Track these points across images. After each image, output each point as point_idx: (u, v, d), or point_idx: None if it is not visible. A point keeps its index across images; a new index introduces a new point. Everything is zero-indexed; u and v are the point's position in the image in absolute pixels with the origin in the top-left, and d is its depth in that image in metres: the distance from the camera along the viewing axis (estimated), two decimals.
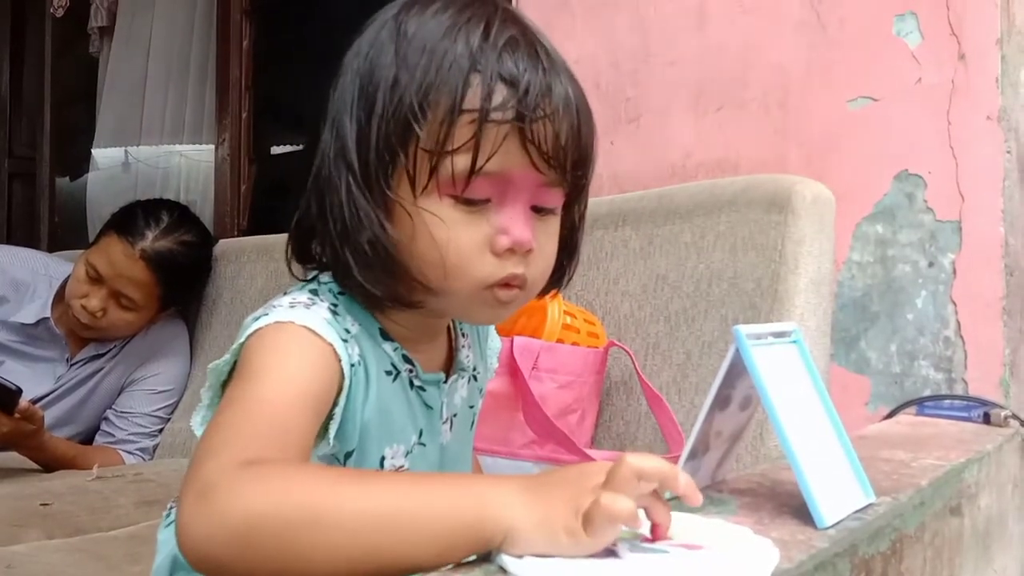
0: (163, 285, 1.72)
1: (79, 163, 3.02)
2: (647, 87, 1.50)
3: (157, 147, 2.79)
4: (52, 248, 2.75)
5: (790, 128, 1.34)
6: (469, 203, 0.63)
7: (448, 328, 0.79)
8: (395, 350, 0.70)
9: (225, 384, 0.65)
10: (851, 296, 1.28)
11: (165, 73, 2.75)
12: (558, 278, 0.73)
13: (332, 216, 0.64)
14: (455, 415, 0.77)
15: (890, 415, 1.19)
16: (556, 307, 1.18)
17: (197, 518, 0.49)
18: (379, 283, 0.64)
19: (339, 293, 0.69)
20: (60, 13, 2.87)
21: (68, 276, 1.76)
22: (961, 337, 1.19)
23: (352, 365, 0.65)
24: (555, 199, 0.66)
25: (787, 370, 0.64)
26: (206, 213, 2.38)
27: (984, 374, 1.17)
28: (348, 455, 0.68)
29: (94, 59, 2.94)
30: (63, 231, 3.03)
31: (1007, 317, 1.17)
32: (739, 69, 1.39)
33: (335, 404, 0.64)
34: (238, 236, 2.27)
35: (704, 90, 1.43)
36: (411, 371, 0.71)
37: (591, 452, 0.89)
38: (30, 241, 2.97)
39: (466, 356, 0.79)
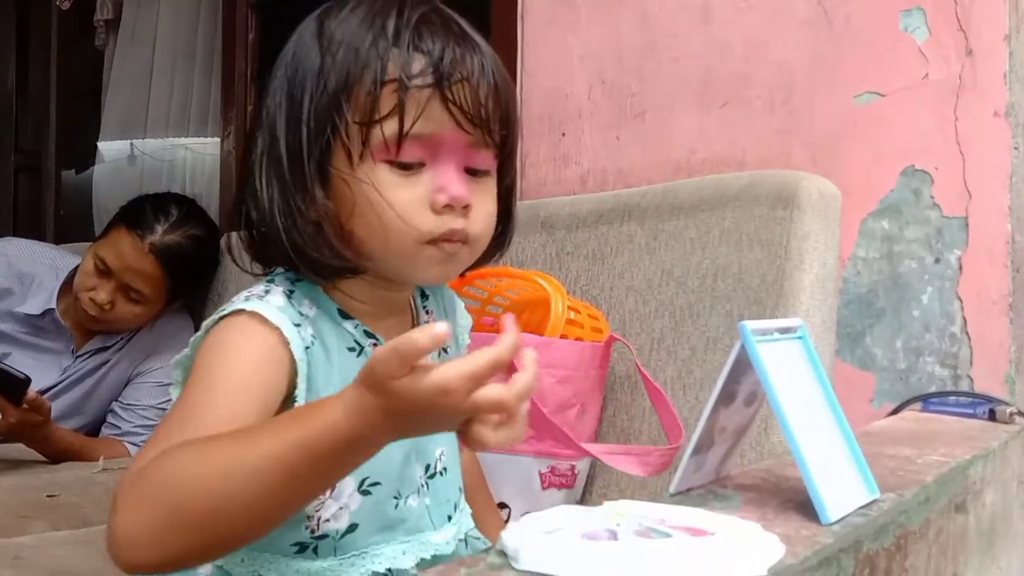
0: (171, 279, 1.72)
1: (85, 156, 3.02)
2: (652, 83, 1.49)
3: (163, 140, 2.79)
4: (58, 241, 2.75)
5: (796, 124, 1.34)
6: (404, 167, 0.67)
7: (411, 307, 0.81)
8: (356, 327, 0.73)
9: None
10: (856, 292, 1.28)
11: (170, 66, 2.75)
12: (499, 243, 0.77)
13: (269, 207, 0.69)
14: None
15: (895, 411, 1.19)
16: (560, 302, 1.18)
17: (124, 504, 0.56)
18: (325, 253, 0.68)
19: (295, 280, 0.73)
20: (66, 6, 2.87)
21: (74, 268, 1.77)
22: (967, 333, 1.19)
23: (307, 347, 0.68)
24: (485, 161, 0.71)
25: (792, 366, 0.64)
26: (212, 206, 2.38)
27: (990, 371, 1.17)
28: None
29: (100, 52, 2.94)
30: (69, 224, 3.04)
31: (1013, 314, 1.17)
32: (744, 65, 1.39)
33: (294, 387, 0.68)
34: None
35: (709, 86, 1.43)
36: (375, 345, 0.74)
37: (589, 447, 0.89)
38: (36, 234, 2.97)
39: (426, 323, 0.80)
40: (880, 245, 1.26)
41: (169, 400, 1.87)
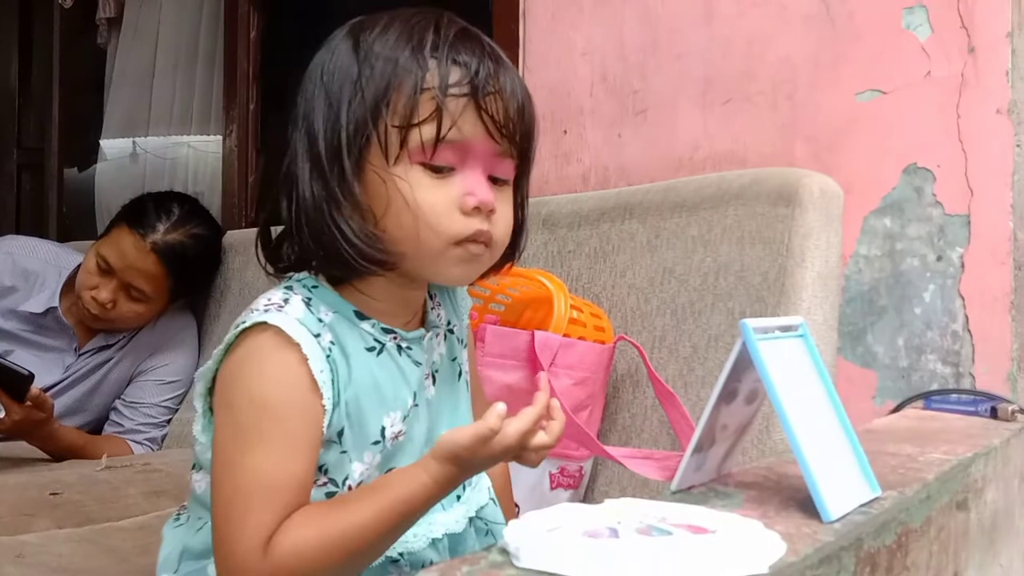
0: (173, 278, 1.73)
1: (87, 154, 3.02)
2: (654, 80, 1.49)
3: (165, 138, 2.79)
4: (61, 239, 2.75)
5: (798, 121, 1.34)
6: (436, 170, 0.72)
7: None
8: (373, 326, 0.77)
9: (212, 390, 0.75)
10: (858, 290, 1.28)
11: (173, 64, 2.75)
12: (511, 252, 0.82)
13: (303, 204, 0.72)
14: (436, 371, 0.83)
15: (897, 409, 1.19)
16: (562, 301, 1.18)
17: None
18: (362, 245, 0.72)
19: (312, 287, 0.76)
20: (68, 4, 2.87)
21: (77, 266, 1.77)
22: (969, 331, 1.19)
23: (327, 355, 0.72)
24: (508, 170, 0.76)
25: (794, 364, 0.64)
26: (214, 204, 2.39)
27: (992, 368, 1.17)
28: (340, 433, 0.74)
29: (102, 50, 2.95)
30: (71, 222, 3.04)
31: (1015, 312, 1.17)
32: (747, 62, 1.39)
33: (322, 398, 0.72)
34: (246, 227, 2.27)
35: (711, 83, 1.43)
36: (395, 337, 0.78)
37: (611, 450, 0.89)
38: (39, 231, 2.98)
39: (437, 315, 0.85)
40: (882, 243, 1.26)
41: (171, 398, 1.91)
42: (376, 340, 0.77)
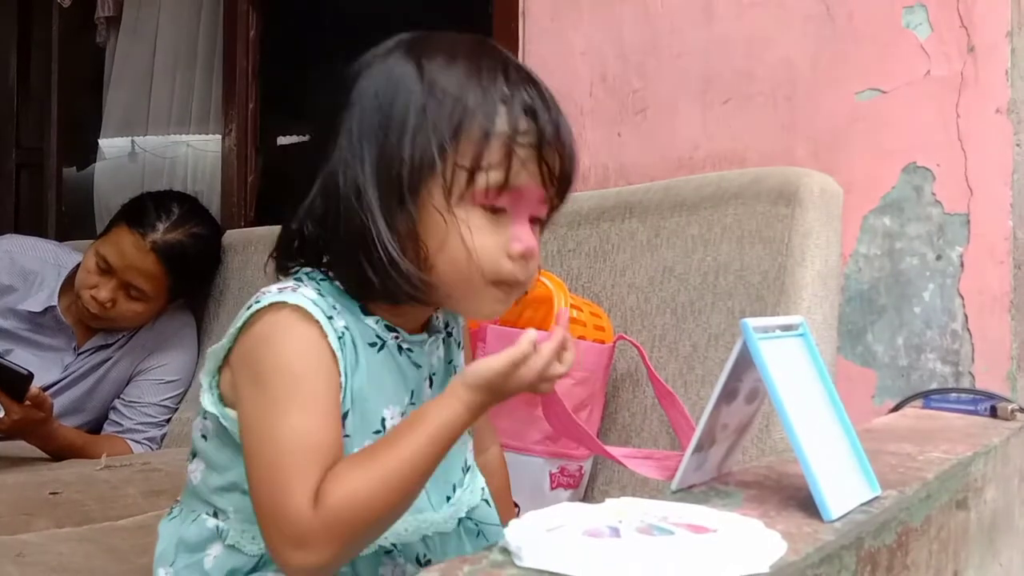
0: (173, 277, 1.73)
1: (86, 153, 3.02)
2: (654, 79, 1.49)
3: (164, 137, 2.79)
4: (60, 238, 2.74)
5: (798, 120, 1.34)
6: (494, 211, 0.74)
7: None
8: (377, 322, 0.78)
9: (220, 368, 0.76)
10: (858, 289, 1.28)
11: (172, 63, 2.74)
12: None
13: (347, 219, 0.73)
14: (434, 374, 0.84)
15: (896, 408, 1.19)
16: (561, 300, 1.18)
17: (307, 563, 0.66)
18: (401, 284, 0.73)
19: (320, 280, 0.77)
20: (67, 3, 2.87)
21: (76, 265, 1.77)
22: (968, 330, 1.19)
23: (339, 337, 0.73)
24: (546, 212, 0.79)
25: (794, 363, 0.64)
26: (213, 203, 2.38)
27: (991, 367, 1.17)
28: (345, 415, 0.75)
29: (101, 49, 2.94)
30: (70, 221, 3.04)
31: (1015, 311, 1.17)
32: (746, 61, 1.39)
33: (340, 374, 0.74)
34: (245, 227, 2.27)
35: (711, 82, 1.43)
36: (396, 337, 0.79)
37: (612, 450, 0.89)
38: (38, 231, 2.97)
39: (436, 318, 0.86)
40: (882, 242, 1.26)
41: (170, 397, 1.91)
42: (378, 336, 0.78)
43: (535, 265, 0.78)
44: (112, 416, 1.81)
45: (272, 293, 0.73)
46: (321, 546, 0.66)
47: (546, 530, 0.48)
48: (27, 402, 1.52)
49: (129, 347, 1.81)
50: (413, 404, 0.81)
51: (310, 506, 0.66)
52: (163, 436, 1.82)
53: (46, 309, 1.76)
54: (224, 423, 0.77)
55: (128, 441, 1.77)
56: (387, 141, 0.73)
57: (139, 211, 1.72)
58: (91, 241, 1.80)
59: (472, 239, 0.73)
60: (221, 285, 1.95)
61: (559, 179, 0.76)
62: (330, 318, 0.73)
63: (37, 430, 1.59)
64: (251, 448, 0.71)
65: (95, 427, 1.81)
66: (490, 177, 0.72)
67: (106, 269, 1.69)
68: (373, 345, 0.78)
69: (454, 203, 0.73)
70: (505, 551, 0.47)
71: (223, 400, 0.77)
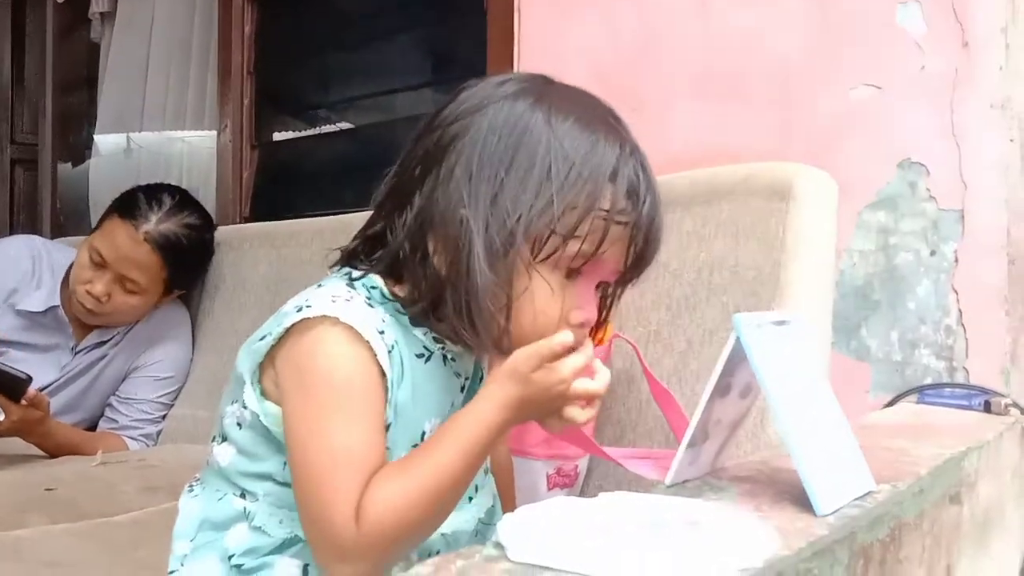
0: (168, 267, 1.72)
1: (81, 149, 3.01)
2: (649, 75, 1.49)
3: (159, 133, 2.78)
4: (55, 235, 2.75)
5: (792, 116, 1.34)
6: (571, 273, 0.75)
7: None
8: (425, 334, 0.79)
9: (263, 364, 0.77)
10: (852, 284, 1.28)
11: (167, 59, 2.73)
12: None
13: (446, 260, 0.74)
14: (467, 379, 0.86)
15: (891, 403, 1.19)
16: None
17: (352, 574, 0.69)
18: (468, 320, 0.74)
19: (372, 287, 0.78)
20: None
21: (72, 263, 1.77)
22: (962, 326, 1.19)
23: (389, 351, 0.75)
24: (613, 281, 0.80)
25: (788, 358, 0.64)
26: (208, 199, 2.37)
27: (985, 363, 1.18)
28: (387, 427, 0.75)
29: (96, 45, 2.93)
30: (65, 217, 3.03)
31: (1008, 306, 1.17)
32: (741, 58, 1.39)
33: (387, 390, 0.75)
34: (240, 223, 2.27)
35: (706, 79, 1.43)
36: (443, 347, 0.80)
37: (609, 451, 0.90)
38: (33, 227, 2.97)
39: None
40: (876, 237, 1.26)
41: (166, 393, 1.90)
42: (426, 347, 0.79)
43: (588, 329, 0.79)
44: (108, 413, 1.81)
45: (324, 301, 0.74)
46: (364, 558, 0.69)
47: (539, 525, 0.48)
48: (24, 403, 1.52)
49: (125, 344, 1.81)
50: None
51: (352, 521, 0.68)
52: (159, 432, 1.82)
53: (48, 309, 1.76)
54: (264, 420, 0.77)
55: (124, 438, 1.77)
56: (504, 187, 0.73)
57: (131, 203, 1.72)
58: (85, 237, 1.79)
59: (544, 299, 0.74)
60: (216, 281, 1.94)
61: (640, 261, 0.77)
62: (381, 332, 0.74)
63: (34, 429, 1.59)
64: (296, 458, 0.72)
65: (92, 424, 1.81)
66: (582, 247, 0.73)
67: (100, 263, 1.69)
68: (420, 356, 0.79)
69: (538, 260, 0.73)
70: (499, 545, 0.47)
71: (264, 394, 0.77)
